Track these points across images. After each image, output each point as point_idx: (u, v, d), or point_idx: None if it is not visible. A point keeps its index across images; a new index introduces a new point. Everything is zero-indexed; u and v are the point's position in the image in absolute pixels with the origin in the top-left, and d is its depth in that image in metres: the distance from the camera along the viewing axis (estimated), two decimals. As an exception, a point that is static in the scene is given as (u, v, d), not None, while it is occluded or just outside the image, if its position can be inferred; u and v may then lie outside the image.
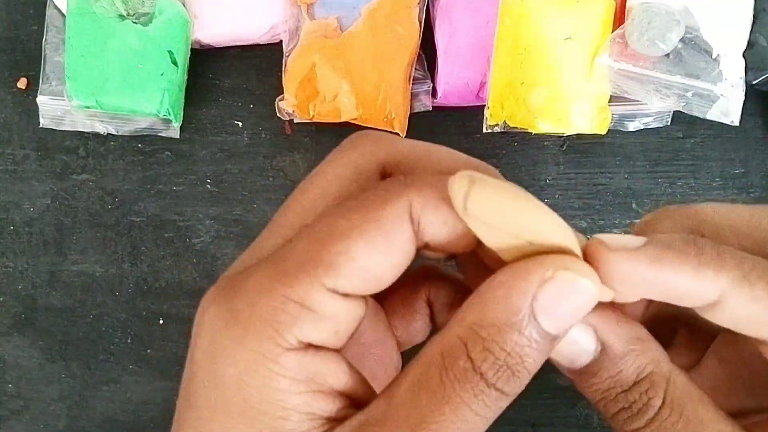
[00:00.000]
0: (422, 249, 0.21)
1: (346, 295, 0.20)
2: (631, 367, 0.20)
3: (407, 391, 0.19)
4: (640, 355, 0.20)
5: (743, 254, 0.20)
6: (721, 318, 0.20)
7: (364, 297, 0.21)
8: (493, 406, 0.18)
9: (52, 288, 0.44)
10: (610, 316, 0.20)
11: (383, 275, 0.20)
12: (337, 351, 0.20)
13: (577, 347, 0.20)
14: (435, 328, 0.25)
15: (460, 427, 0.18)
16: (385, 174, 0.23)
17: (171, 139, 0.44)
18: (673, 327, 0.22)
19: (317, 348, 0.20)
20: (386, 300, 0.26)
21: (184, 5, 0.42)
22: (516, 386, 0.19)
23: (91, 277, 0.44)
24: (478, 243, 0.20)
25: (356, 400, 0.20)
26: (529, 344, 0.18)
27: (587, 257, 0.21)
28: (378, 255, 0.19)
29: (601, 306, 0.20)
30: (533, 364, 0.19)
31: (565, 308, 0.19)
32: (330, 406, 0.20)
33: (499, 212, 0.19)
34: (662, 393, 0.20)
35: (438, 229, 0.20)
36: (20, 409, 0.44)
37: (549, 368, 0.46)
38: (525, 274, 0.19)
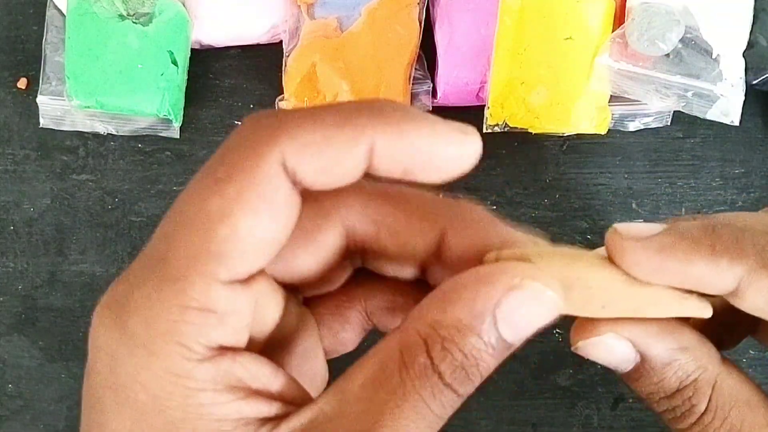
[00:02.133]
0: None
1: (245, 281, 0.18)
2: (672, 377, 0.20)
3: (362, 386, 0.18)
4: (684, 365, 0.20)
5: (764, 240, 0.20)
6: (743, 305, 0.20)
7: (269, 279, 0.20)
8: (448, 406, 0.18)
9: (52, 288, 0.44)
10: (649, 328, 0.20)
11: (275, 241, 0.18)
12: (258, 353, 0.19)
13: (615, 356, 0.20)
14: (378, 334, 0.23)
15: (419, 425, 0.18)
16: None
17: (171, 139, 0.44)
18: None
19: (233, 351, 0.18)
20: (317, 308, 0.24)
21: (184, 5, 0.42)
22: (469, 388, 0.18)
23: (91, 277, 0.44)
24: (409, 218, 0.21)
25: (290, 400, 0.19)
26: (486, 349, 0.18)
27: (606, 246, 0.21)
28: (266, 224, 0.18)
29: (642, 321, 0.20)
30: (486, 369, 0.18)
31: (525, 318, 0.18)
32: (264, 408, 0.18)
33: None
34: (706, 399, 0.20)
35: (319, 174, 0.18)
36: (20, 409, 0.44)
37: (549, 368, 0.46)
38: (492, 279, 0.18)
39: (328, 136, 0.18)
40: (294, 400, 0.19)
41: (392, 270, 0.22)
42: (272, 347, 0.20)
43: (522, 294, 0.18)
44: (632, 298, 0.20)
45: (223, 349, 0.18)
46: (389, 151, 0.18)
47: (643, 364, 0.20)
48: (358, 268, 0.23)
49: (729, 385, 0.20)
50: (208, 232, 0.17)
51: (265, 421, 0.18)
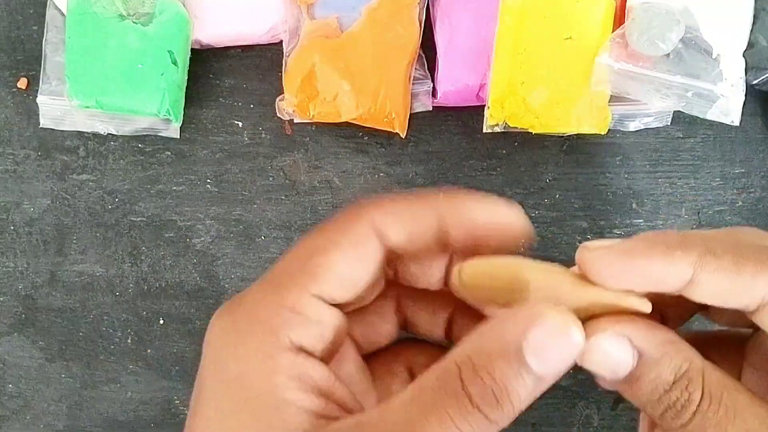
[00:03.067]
0: (391, 258, 0.25)
1: (329, 303, 0.23)
2: (667, 369, 0.21)
3: (402, 401, 0.21)
4: (674, 356, 0.22)
5: (709, 234, 0.22)
6: (700, 295, 0.22)
7: (344, 312, 0.24)
8: (477, 429, 0.20)
9: (52, 288, 0.44)
10: (641, 325, 0.22)
11: (358, 280, 0.24)
12: (324, 363, 0.23)
13: (615, 359, 0.22)
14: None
15: None
16: None
17: (171, 139, 0.44)
18: (706, 351, 0.23)
19: (307, 353, 0.23)
20: (370, 364, 0.28)
21: (184, 5, 0.42)
22: (500, 415, 0.20)
23: (91, 277, 0.44)
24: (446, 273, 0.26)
25: (341, 404, 0.23)
26: (516, 378, 0.20)
27: (577, 260, 0.23)
28: (351, 262, 0.23)
29: (631, 317, 0.22)
30: (518, 399, 0.20)
31: (553, 351, 0.20)
32: (322, 406, 0.22)
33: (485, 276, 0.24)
34: (700, 386, 0.21)
35: (397, 235, 0.24)
36: (20, 409, 0.44)
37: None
38: (516, 314, 0.21)
39: (407, 207, 0.24)
40: (344, 405, 0.23)
41: (420, 274, 0.27)
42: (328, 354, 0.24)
43: (545, 326, 0.20)
44: (582, 299, 0.22)
45: (302, 351, 0.22)
46: (456, 219, 0.24)
47: (640, 362, 0.22)
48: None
49: (716, 374, 0.22)
50: (308, 259, 0.23)
51: (320, 416, 0.21)
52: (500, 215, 0.25)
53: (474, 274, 0.24)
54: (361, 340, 0.28)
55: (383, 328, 0.29)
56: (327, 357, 0.24)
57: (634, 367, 0.22)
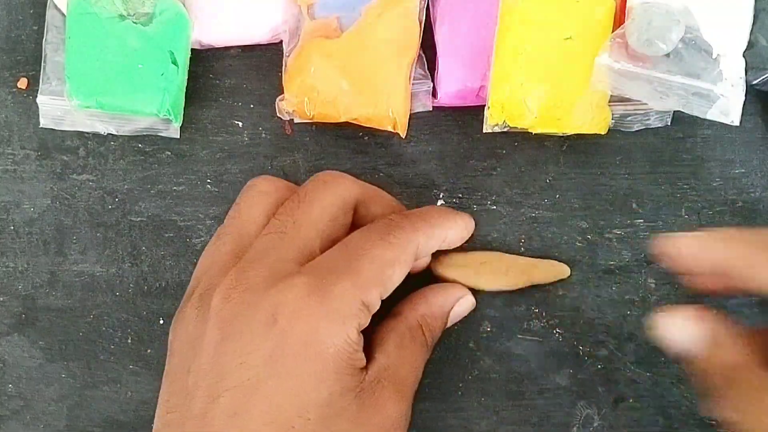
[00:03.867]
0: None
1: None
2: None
3: (395, 347, 0.34)
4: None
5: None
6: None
7: None
8: (426, 354, 0.36)
9: (52, 288, 0.44)
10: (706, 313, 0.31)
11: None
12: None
13: (687, 338, 0.31)
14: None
15: (419, 366, 0.35)
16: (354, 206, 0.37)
17: (171, 139, 0.44)
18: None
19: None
20: None
21: (184, 5, 0.42)
22: (432, 342, 0.37)
23: (91, 277, 0.44)
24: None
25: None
26: (443, 327, 0.38)
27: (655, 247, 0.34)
28: (402, 276, 0.34)
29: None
30: (437, 335, 0.38)
31: (459, 313, 0.39)
32: (362, 360, 0.33)
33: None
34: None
35: (422, 258, 0.38)
36: (20, 409, 0.44)
37: (549, 368, 0.46)
38: (454, 291, 0.39)
39: (440, 233, 0.38)
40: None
41: None
42: None
43: (464, 301, 0.39)
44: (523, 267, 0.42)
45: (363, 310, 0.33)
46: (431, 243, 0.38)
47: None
48: None
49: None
50: (383, 270, 0.33)
51: (361, 369, 0.33)
52: (466, 234, 0.40)
53: (448, 265, 0.40)
54: None
55: None
56: None
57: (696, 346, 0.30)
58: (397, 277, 0.33)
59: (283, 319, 0.30)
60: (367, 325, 0.32)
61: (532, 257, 0.42)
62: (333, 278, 0.31)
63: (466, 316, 0.40)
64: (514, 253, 0.42)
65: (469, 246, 0.41)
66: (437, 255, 0.40)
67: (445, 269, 0.41)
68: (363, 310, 0.31)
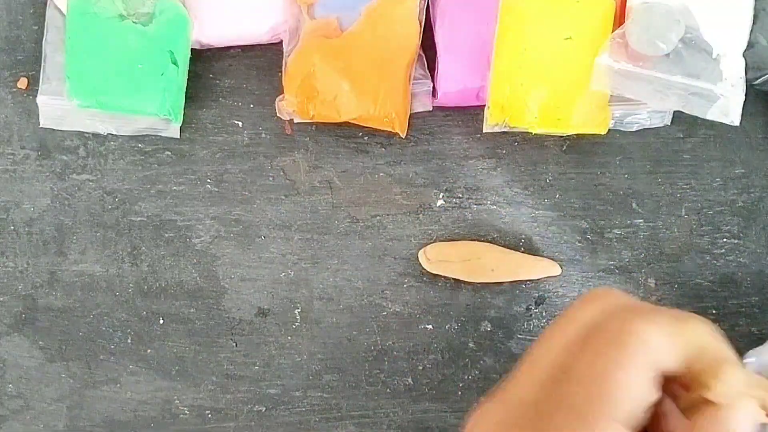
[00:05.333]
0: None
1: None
2: None
3: None
4: None
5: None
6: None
7: None
8: None
9: (52, 288, 0.44)
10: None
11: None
12: None
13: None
14: None
15: None
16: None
17: (171, 139, 0.44)
18: None
19: None
20: None
21: (184, 5, 0.42)
22: None
23: (91, 277, 0.44)
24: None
25: None
26: None
27: None
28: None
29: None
30: None
31: None
32: None
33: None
34: None
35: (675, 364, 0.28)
36: (20, 409, 0.44)
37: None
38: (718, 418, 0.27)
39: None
40: None
41: None
42: None
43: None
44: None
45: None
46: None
47: None
48: None
49: None
50: (625, 401, 0.27)
51: None
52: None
53: (437, 253, 0.41)
54: None
55: None
56: None
57: None
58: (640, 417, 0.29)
59: None
60: None
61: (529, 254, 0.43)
62: (550, 411, 0.27)
63: (466, 316, 0.39)
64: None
65: (459, 237, 0.42)
66: (425, 248, 0.42)
67: (432, 264, 0.42)
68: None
